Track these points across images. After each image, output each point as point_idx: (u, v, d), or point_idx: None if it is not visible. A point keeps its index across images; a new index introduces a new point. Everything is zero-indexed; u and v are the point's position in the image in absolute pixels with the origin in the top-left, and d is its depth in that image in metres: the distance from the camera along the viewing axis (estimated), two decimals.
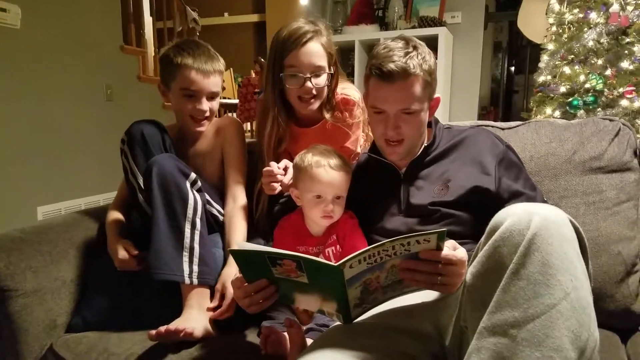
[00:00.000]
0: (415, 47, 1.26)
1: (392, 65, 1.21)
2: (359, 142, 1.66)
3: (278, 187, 1.42)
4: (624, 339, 1.32)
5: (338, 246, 1.35)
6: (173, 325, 1.26)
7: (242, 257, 1.07)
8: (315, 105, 1.55)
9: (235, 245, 1.42)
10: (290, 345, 1.15)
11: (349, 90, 1.64)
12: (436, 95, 1.34)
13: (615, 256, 1.35)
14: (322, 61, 1.51)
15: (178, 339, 1.26)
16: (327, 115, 1.59)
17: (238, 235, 1.48)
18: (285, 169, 1.44)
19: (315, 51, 1.49)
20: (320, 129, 1.61)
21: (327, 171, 1.31)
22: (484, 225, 0.93)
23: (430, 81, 1.27)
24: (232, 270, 1.39)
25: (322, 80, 1.52)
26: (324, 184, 1.31)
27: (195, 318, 1.33)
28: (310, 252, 1.36)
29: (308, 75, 1.49)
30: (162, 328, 1.24)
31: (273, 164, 1.44)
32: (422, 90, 1.25)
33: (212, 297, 1.41)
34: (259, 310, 1.12)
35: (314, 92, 1.51)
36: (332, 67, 1.55)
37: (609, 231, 1.37)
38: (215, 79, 1.55)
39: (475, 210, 1.27)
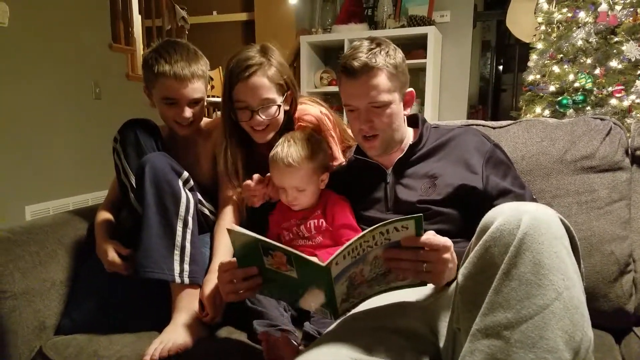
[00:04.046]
0: (379, 45, 1.29)
1: (354, 62, 1.25)
2: (338, 150, 1.63)
3: (257, 202, 1.47)
4: (618, 339, 1.32)
5: (322, 220, 1.38)
6: (165, 350, 1.23)
7: (238, 239, 1.07)
8: (270, 135, 1.50)
9: (220, 255, 1.41)
10: (286, 353, 1.14)
11: (305, 108, 1.58)
12: (409, 89, 1.36)
13: (608, 256, 1.35)
14: (269, 93, 1.44)
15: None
16: None
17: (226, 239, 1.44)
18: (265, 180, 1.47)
19: (260, 85, 1.42)
20: None
21: (280, 167, 1.36)
22: (475, 224, 0.92)
23: (396, 73, 1.29)
24: (212, 277, 1.34)
25: (272, 111, 1.45)
26: (277, 177, 1.39)
27: (185, 325, 1.32)
28: (292, 225, 1.42)
29: (256, 109, 1.43)
30: (156, 355, 1.21)
31: (256, 176, 1.47)
32: (389, 82, 1.27)
33: None
34: (236, 300, 1.16)
35: (266, 123, 1.46)
36: (285, 95, 1.49)
37: (601, 231, 1.37)
38: (194, 85, 1.49)
39: (464, 209, 1.28)
